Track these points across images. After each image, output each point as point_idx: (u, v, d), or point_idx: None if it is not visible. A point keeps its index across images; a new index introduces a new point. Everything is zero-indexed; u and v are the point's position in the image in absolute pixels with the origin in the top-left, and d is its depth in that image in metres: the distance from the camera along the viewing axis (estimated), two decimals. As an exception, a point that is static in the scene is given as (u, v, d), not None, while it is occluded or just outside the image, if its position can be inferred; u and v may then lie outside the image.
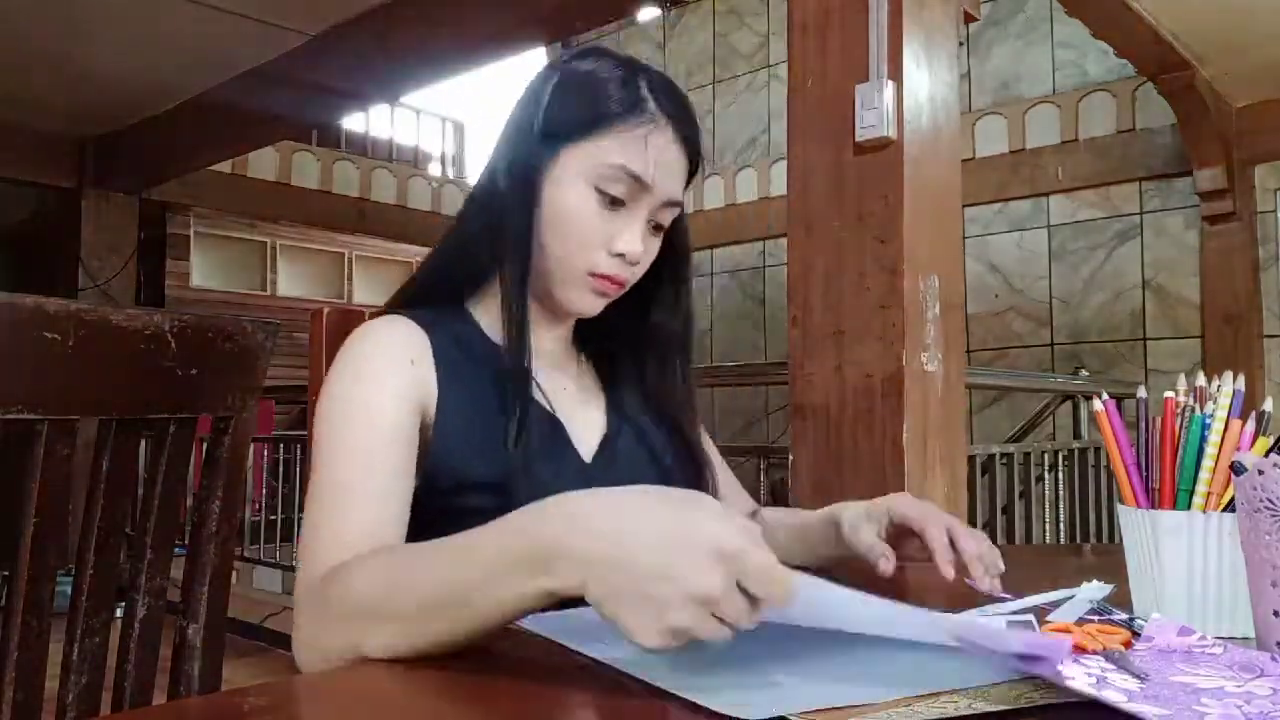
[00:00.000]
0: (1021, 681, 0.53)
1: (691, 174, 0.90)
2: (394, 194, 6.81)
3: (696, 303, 0.99)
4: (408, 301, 0.91)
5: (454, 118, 7.87)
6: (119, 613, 0.80)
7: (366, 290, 7.04)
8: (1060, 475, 3.32)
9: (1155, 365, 4.28)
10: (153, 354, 0.79)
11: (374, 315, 0.92)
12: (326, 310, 1.00)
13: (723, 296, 5.87)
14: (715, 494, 0.96)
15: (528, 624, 0.61)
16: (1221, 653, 0.60)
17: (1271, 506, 0.58)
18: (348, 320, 0.97)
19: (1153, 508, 0.70)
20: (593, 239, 0.84)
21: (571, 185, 0.84)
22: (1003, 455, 3.14)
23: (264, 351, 0.90)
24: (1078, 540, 3.32)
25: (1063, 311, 4.57)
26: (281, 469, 4.24)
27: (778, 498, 3.50)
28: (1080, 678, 0.52)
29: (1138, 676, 0.53)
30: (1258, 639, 0.61)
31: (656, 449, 0.93)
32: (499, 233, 0.86)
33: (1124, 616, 0.70)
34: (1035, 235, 4.67)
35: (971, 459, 2.80)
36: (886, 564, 0.84)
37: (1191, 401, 0.71)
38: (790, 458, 1.82)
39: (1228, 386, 0.69)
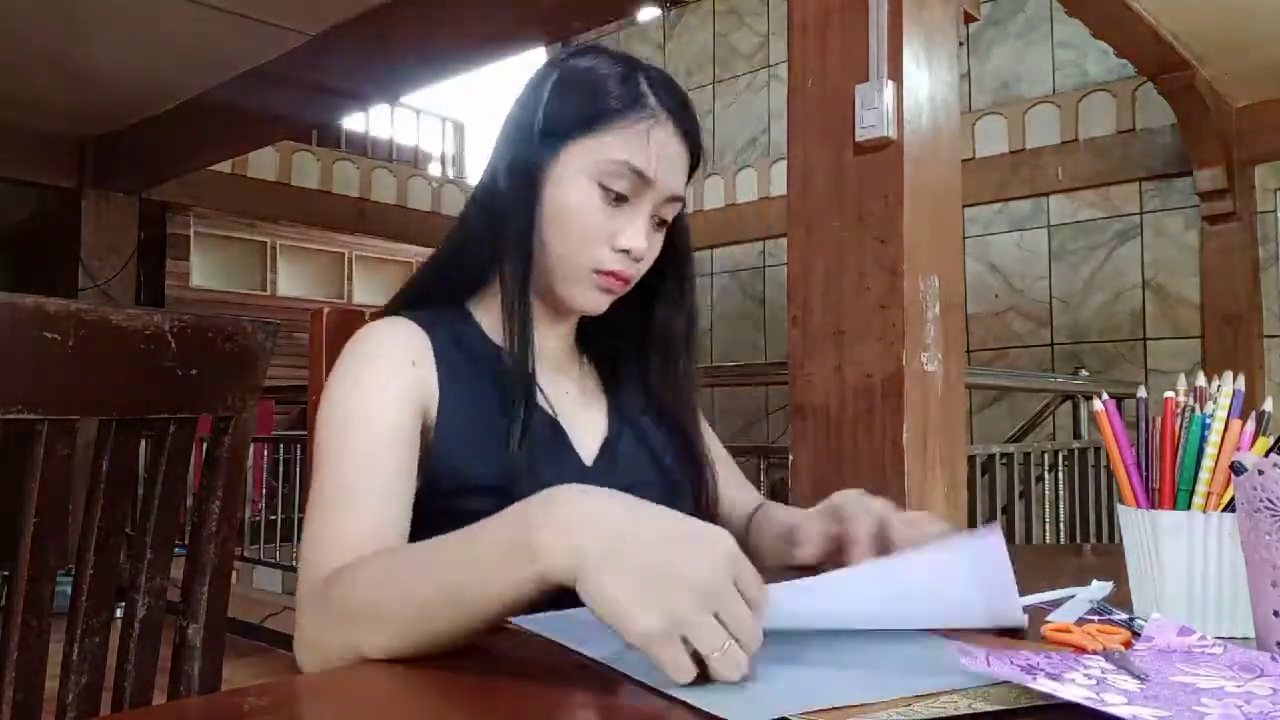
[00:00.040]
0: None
1: (693, 169, 0.90)
2: (394, 194, 6.81)
3: (696, 302, 0.98)
4: (408, 302, 0.91)
5: (454, 118, 7.88)
6: (119, 613, 0.80)
7: (366, 290, 7.04)
8: (1060, 475, 3.32)
9: (1155, 365, 4.28)
10: (153, 354, 0.79)
11: (374, 316, 0.92)
12: (326, 310, 1.00)
13: (723, 296, 5.87)
14: (715, 493, 0.96)
15: (527, 624, 0.61)
16: (1221, 653, 0.60)
17: (1271, 506, 0.58)
18: (348, 320, 0.97)
19: (1153, 508, 0.70)
20: (596, 235, 0.84)
21: (573, 182, 0.84)
22: (1003, 455, 3.14)
23: (264, 351, 0.90)
24: (1078, 540, 3.32)
25: (1063, 311, 4.57)
26: (281, 469, 4.24)
27: (777, 498, 3.49)
28: (1080, 678, 0.52)
29: (1138, 677, 0.53)
30: (1258, 639, 0.61)
31: (657, 450, 0.93)
32: (500, 232, 0.86)
33: (1124, 616, 0.70)
34: (1035, 235, 4.67)
35: (971, 459, 2.80)
36: (801, 551, 0.82)
37: (1191, 401, 0.71)
38: (790, 458, 1.82)
39: (1228, 386, 0.69)
